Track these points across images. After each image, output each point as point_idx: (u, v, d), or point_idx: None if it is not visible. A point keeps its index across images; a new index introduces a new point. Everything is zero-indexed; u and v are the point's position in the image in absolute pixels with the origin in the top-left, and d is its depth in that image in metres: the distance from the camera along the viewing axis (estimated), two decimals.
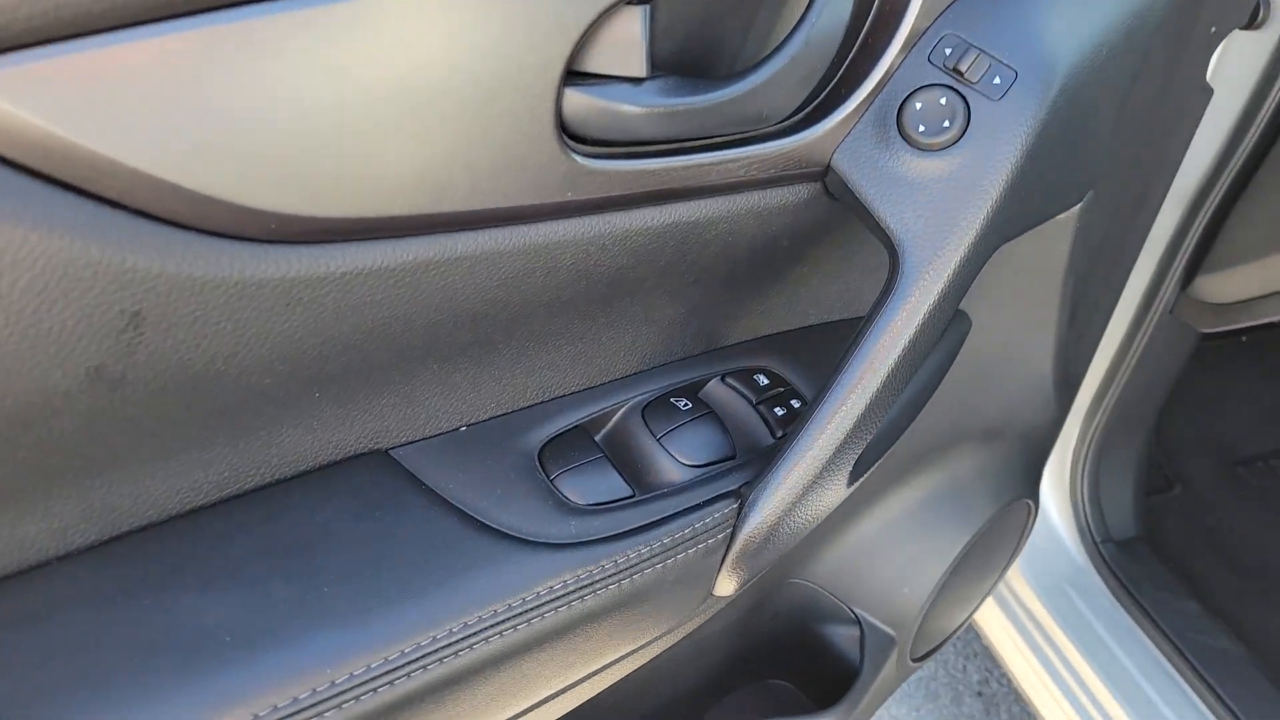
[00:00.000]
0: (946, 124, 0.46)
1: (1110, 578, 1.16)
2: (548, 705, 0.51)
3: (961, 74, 0.46)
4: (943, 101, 0.46)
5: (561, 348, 0.50)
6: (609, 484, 0.50)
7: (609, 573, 0.46)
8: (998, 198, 0.47)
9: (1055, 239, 0.61)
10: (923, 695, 1.61)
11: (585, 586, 0.46)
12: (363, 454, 0.47)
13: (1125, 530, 1.21)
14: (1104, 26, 0.49)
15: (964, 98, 0.46)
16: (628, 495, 0.50)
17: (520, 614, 0.44)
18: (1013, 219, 0.49)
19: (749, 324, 0.58)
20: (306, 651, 0.40)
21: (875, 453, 0.54)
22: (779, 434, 0.56)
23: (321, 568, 0.42)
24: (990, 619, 1.23)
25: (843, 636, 0.87)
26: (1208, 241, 0.98)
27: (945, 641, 1.00)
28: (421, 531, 0.44)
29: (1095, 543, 1.18)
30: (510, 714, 0.48)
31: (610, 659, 0.51)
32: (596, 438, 0.53)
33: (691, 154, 0.44)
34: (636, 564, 0.47)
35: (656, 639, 0.54)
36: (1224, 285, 0.99)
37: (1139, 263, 0.97)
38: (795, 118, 0.48)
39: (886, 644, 0.85)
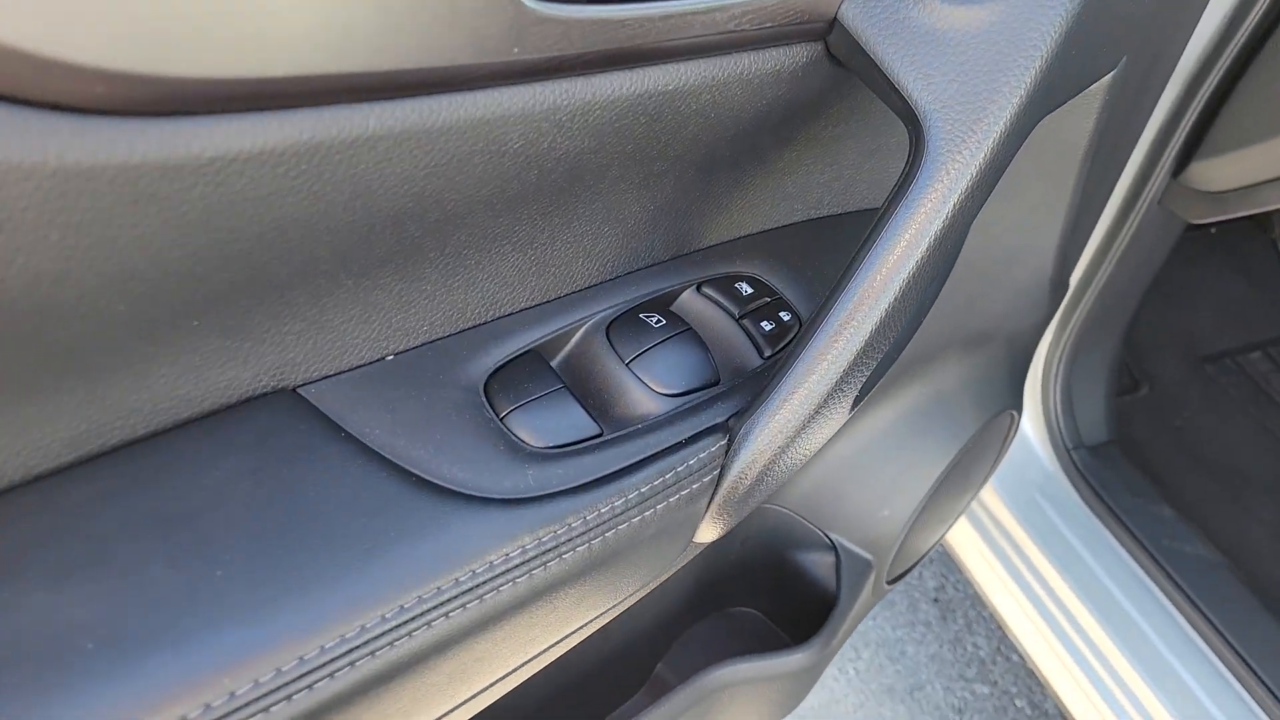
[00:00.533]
0: None
1: (1081, 484, 1.11)
2: (503, 682, 0.43)
3: None
4: None
5: (507, 255, 0.40)
6: (571, 421, 0.40)
7: (576, 532, 0.38)
8: (1047, 55, 0.37)
9: (1081, 114, 0.52)
10: (879, 603, 1.59)
11: (548, 551, 0.37)
12: (264, 394, 0.37)
13: (1096, 435, 1.16)
14: None
15: None
16: (595, 434, 0.41)
17: (470, 589, 0.35)
18: (1056, 86, 0.40)
19: (728, 222, 0.49)
20: (197, 656, 0.30)
21: (881, 370, 0.45)
22: (767, 353, 0.47)
23: (214, 545, 0.32)
24: (957, 532, 1.18)
25: (816, 563, 0.80)
26: (1204, 125, 0.91)
27: (920, 560, 0.94)
28: (341, 491, 0.34)
29: (1067, 449, 1.13)
30: (460, 700, 0.40)
31: (576, 626, 0.43)
32: (553, 363, 0.43)
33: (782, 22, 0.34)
34: (609, 519, 0.39)
35: (629, 598, 0.46)
36: (1219, 172, 0.92)
37: (1140, 150, 0.89)
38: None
39: (863, 569, 0.79)
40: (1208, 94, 0.88)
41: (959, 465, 0.81)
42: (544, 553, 0.37)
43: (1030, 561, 1.10)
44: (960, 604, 1.58)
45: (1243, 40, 0.84)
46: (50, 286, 0.29)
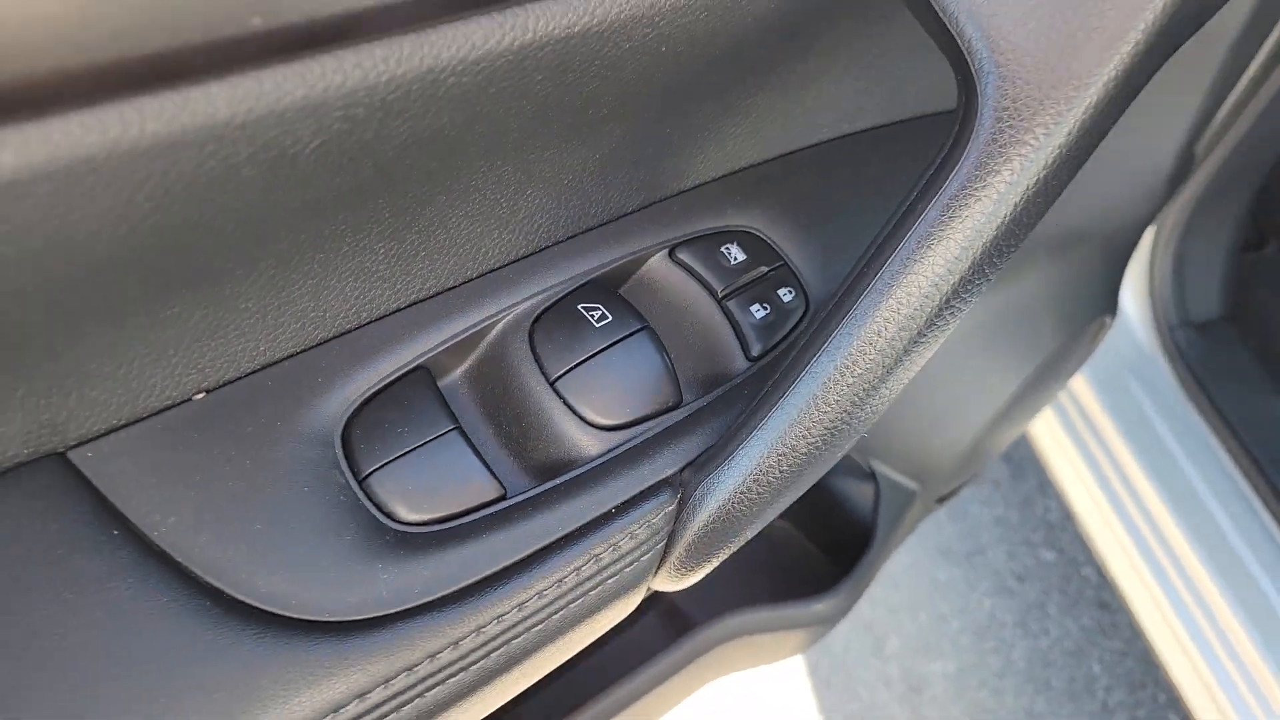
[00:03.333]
0: None
1: (1181, 367, 0.97)
2: None
3: None
4: None
5: (371, 245, 0.28)
6: (463, 476, 0.30)
7: (445, 662, 0.28)
8: None
9: (1232, 7, 0.35)
10: None
11: (400, 693, 0.27)
12: (25, 463, 0.27)
13: (1207, 309, 1.00)
14: None
15: None
16: (494, 497, 0.30)
17: (400, 693, 0.26)
18: (1190, 14, 0.25)
19: (720, 154, 0.35)
20: None
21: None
22: (755, 352, 0.34)
23: None
24: (1045, 432, 1.06)
25: (855, 490, 0.70)
26: None
27: (977, 476, 0.83)
28: (106, 621, 0.25)
29: (1169, 326, 0.98)
30: None
31: None
32: (443, 385, 0.32)
33: None
34: (513, 625, 0.29)
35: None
36: None
37: None
38: None
39: (905, 500, 0.69)
40: None
41: (1033, 383, 0.68)
42: (394, 696, 0.27)
43: (1113, 453, 0.98)
44: (1034, 462, 1.47)
45: None
46: None
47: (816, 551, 0.77)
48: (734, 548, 0.33)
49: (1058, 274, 0.64)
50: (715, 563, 0.34)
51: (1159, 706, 1.29)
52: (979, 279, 0.28)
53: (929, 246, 0.26)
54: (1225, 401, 0.94)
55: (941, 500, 0.78)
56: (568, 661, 0.70)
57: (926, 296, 0.27)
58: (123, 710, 0.24)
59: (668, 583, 0.34)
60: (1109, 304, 0.70)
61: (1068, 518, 1.43)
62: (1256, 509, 0.90)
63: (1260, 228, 1.14)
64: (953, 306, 0.28)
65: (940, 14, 0.24)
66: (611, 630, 0.72)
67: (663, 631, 0.69)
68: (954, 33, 0.23)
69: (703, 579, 0.75)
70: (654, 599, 0.73)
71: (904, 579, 1.39)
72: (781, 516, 0.77)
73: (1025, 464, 1.48)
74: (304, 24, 0.20)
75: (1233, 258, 1.01)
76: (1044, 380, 0.71)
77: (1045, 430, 1.06)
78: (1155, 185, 0.62)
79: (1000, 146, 0.24)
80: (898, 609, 1.36)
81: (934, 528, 1.43)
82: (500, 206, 0.31)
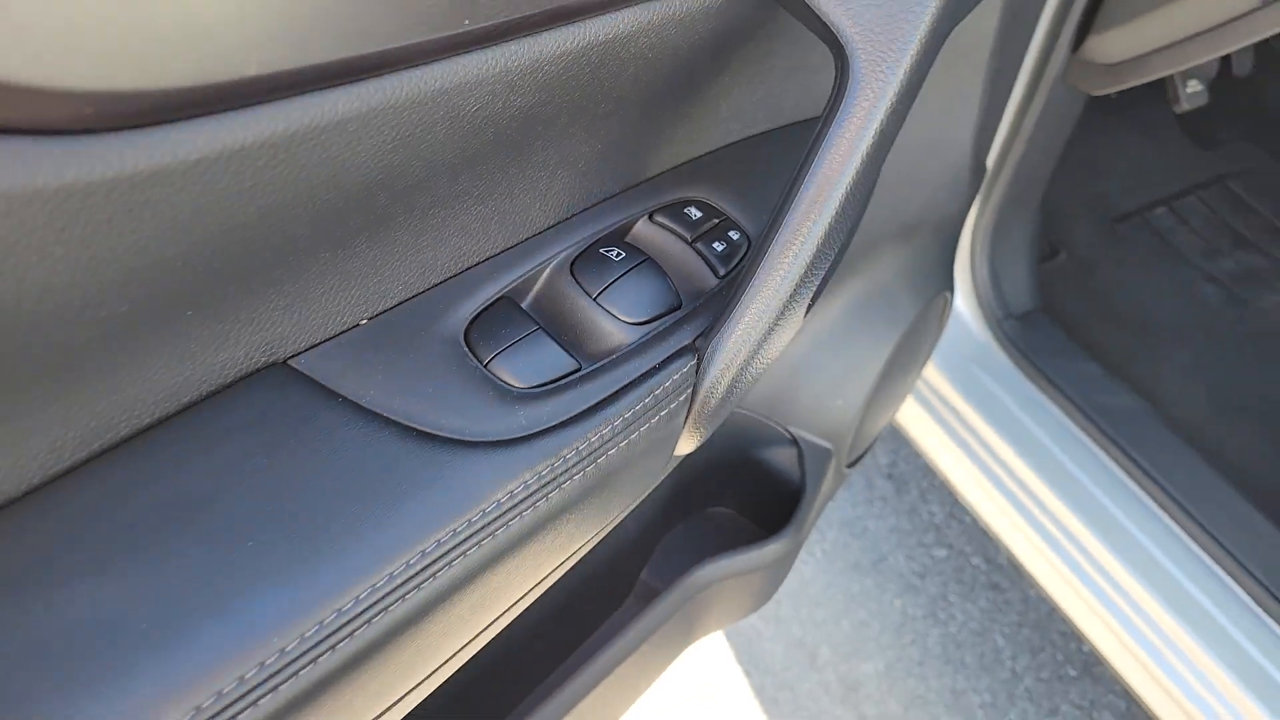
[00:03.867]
0: None
1: (1013, 350, 1.18)
2: (518, 605, 0.47)
3: None
4: None
5: (469, 209, 0.43)
6: (551, 359, 0.44)
7: (571, 463, 0.41)
8: None
9: (986, 16, 0.55)
10: (841, 488, 1.67)
11: (547, 484, 0.41)
12: (257, 370, 0.40)
13: (1022, 304, 1.23)
14: None
15: None
16: (573, 369, 0.44)
17: (482, 528, 0.38)
18: (942, 18, 0.43)
19: (673, 151, 0.52)
20: (244, 621, 0.34)
21: (829, 273, 0.49)
22: (722, 272, 0.50)
23: (240, 520, 0.35)
24: (912, 420, 1.25)
25: (781, 457, 0.85)
26: (1095, 2, 0.95)
27: (874, 442, 1.00)
28: (349, 453, 0.37)
29: (997, 320, 1.19)
30: (481, 628, 0.44)
31: (578, 546, 0.47)
32: (524, 306, 0.46)
33: None
34: (599, 447, 0.42)
35: (622, 513, 0.50)
36: (1113, 45, 0.97)
37: (1039, 31, 0.93)
38: None
39: (824, 457, 0.84)
40: None
41: (902, 348, 0.86)
42: (544, 485, 0.40)
43: (972, 427, 1.18)
44: (913, 476, 1.67)
45: None
46: (59, 297, 0.32)
47: (756, 528, 0.91)
48: (738, 393, 0.47)
49: (904, 258, 0.83)
50: (727, 408, 0.48)
51: (1058, 665, 1.46)
52: (865, 182, 0.44)
53: (832, 157, 0.42)
54: (1053, 372, 1.16)
55: (851, 465, 0.94)
56: (559, 649, 0.81)
57: (831, 195, 0.43)
58: (383, 508, 0.37)
59: (700, 425, 0.48)
60: (947, 281, 0.90)
61: (950, 516, 1.62)
62: (1098, 455, 1.10)
63: (1051, 241, 1.40)
64: (849, 203, 0.44)
65: (817, 13, 0.41)
66: (597, 615, 0.84)
67: (639, 608, 0.81)
68: (830, 23, 0.40)
69: (664, 556, 0.88)
70: (634, 583, 0.85)
71: (824, 596, 1.53)
72: (723, 503, 0.92)
73: (906, 478, 1.67)
74: (479, 30, 0.35)
75: (1034, 263, 1.25)
76: (910, 347, 0.89)
77: (918, 423, 1.24)
78: (959, 187, 0.82)
79: (868, 82, 0.40)
80: (823, 623, 1.51)
81: (841, 548, 1.59)
82: (542, 184, 0.46)
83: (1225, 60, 1.42)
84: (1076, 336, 1.22)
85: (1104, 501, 1.07)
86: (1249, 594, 0.98)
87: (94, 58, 0.28)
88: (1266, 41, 1.48)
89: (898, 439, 1.71)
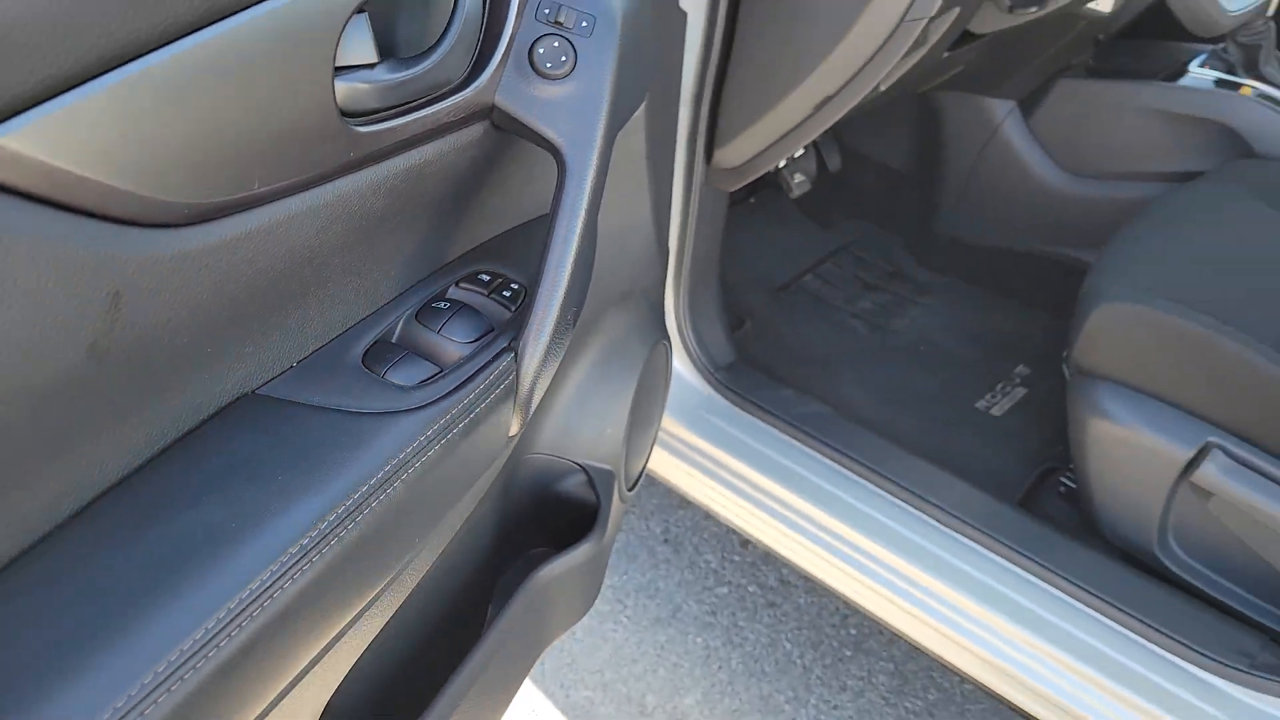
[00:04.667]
0: (564, 59, 0.69)
1: (729, 394, 1.51)
2: (402, 578, 0.67)
3: (561, 24, 0.69)
4: (556, 44, 0.69)
5: (349, 282, 0.66)
6: (421, 369, 0.67)
7: (454, 418, 0.64)
8: (610, 99, 0.70)
9: (635, 131, 0.87)
10: (624, 560, 1.91)
11: (444, 431, 0.63)
12: (242, 396, 0.60)
13: (727, 359, 1.57)
14: None
15: (568, 39, 0.69)
16: (437, 371, 0.68)
17: (403, 465, 0.60)
18: (618, 115, 0.73)
19: (464, 239, 0.77)
20: (266, 542, 0.53)
21: (578, 309, 0.76)
22: (513, 308, 0.76)
23: (261, 478, 0.55)
24: (662, 464, 1.53)
25: (575, 485, 1.09)
26: (712, 125, 1.33)
27: (640, 477, 1.27)
28: (310, 429, 0.58)
29: (711, 373, 1.52)
30: (415, 546, 0.64)
31: (465, 486, 0.68)
32: (394, 341, 0.69)
33: (417, 110, 0.62)
34: (462, 415, 0.65)
35: (485, 470, 0.73)
36: (731, 153, 1.35)
37: (678, 148, 1.29)
38: (466, 76, 0.67)
39: (609, 477, 1.09)
40: (707, 103, 1.30)
41: (642, 385, 1.15)
42: (436, 437, 0.63)
43: (713, 457, 1.48)
44: (685, 536, 1.95)
45: (714, 66, 1.27)
46: (163, 328, 0.52)
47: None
48: (543, 383, 0.72)
49: (628, 317, 1.12)
50: (538, 393, 0.72)
51: (836, 650, 1.76)
52: (589, 236, 0.72)
53: (568, 218, 0.70)
54: (761, 401, 1.49)
55: (630, 489, 1.19)
56: (424, 688, 0.99)
57: (570, 242, 0.70)
58: (355, 448, 0.58)
59: (523, 405, 0.72)
60: (663, 334, 1.20)
61: (723, 559, 1.91)
62: (807, 451, 1.43)
63: (737, 313, 1.78)
64: (582, 248, 0.71)
65: (540, 134, 0.69)
66: (452, 654, 1.01)
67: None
68: (548, 139, 0.68)
69: (501, 597, 1.08)
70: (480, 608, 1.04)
71: (638, 654, 1.75)
72: (541, 543, 1.14)
73: (680, 539, 1.95)
74: (359, 158, 0.60)
75: (728, 328, 1.61)
76: (649, 385, 1.18)
77: (675, 468, 1.53)
78: (653, 262, 1.13)
79: (579, 173, 0.68)
80: (642, 675, 1.71)
81: (641, 610, 1.82)
82: (391, 264, 0.70)
83: (821, 160, 1.90)
84: (771, 375, 1.57)
85: (818, 482, 1.39)
86: (932, 518, 1.33)
87: (187, 185, 0.50)
88: (848, 144, 2.00)
89: (666, 508, 1.99)
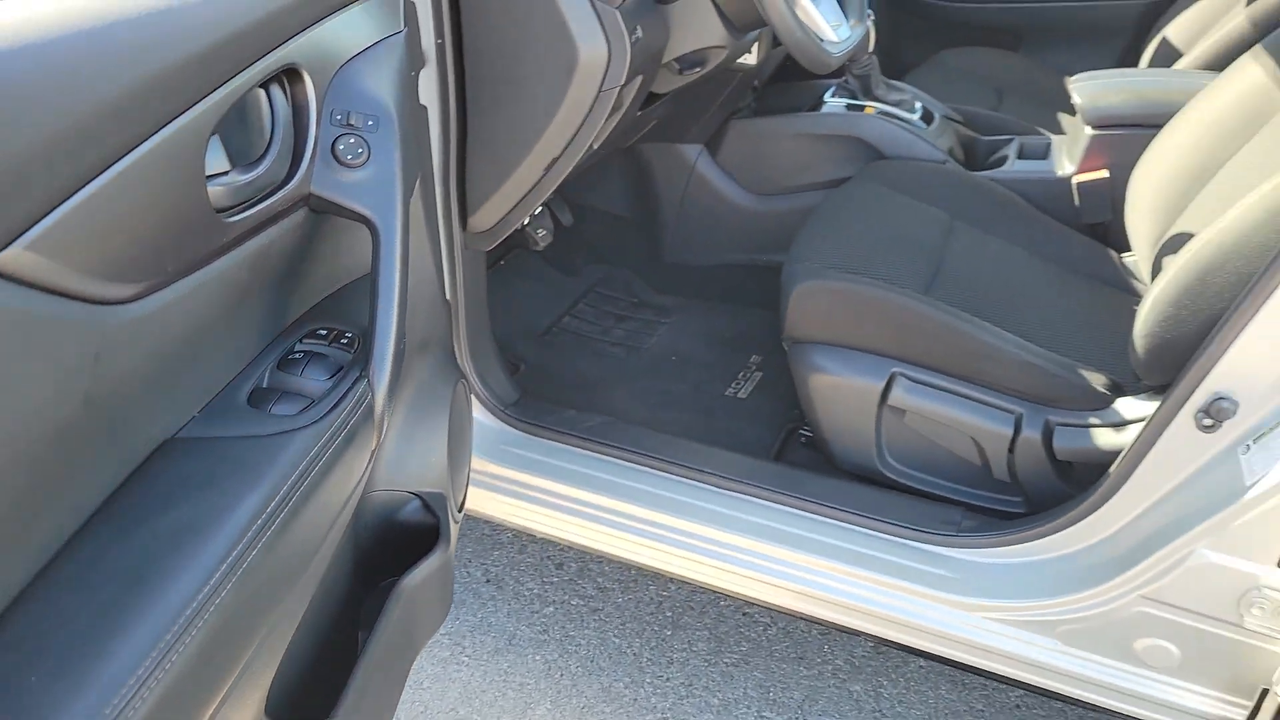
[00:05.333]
0: (360, 150, 0.90)
1: (522, 425, 1.72)
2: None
3: (353, 125, 0.90)
4: (352, 140, 0.90)
5: (229, 342, 0.83)
6: (297, 402, 0.85)
7: (337, 430, 0.82)
8: (401, 176, 0.92)
9: (416, 202, 1.08)
10: (454, 607, 2.06)
11: (331, 438, 0.81)
12: (165, 443, 0.75)
13: (512, 396, 1.79)
14: (394, 86, 0.97)
15: (361, 135, 0.90)
16: (310, 401, 0.85)
17: (323, 456, 0.78)
18: (408, 188, 0.95)
19: (297, 303, 0.96)
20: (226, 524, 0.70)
21: (403, 350, 0.96)
22: (353, 351, 0.95)
23: (211, 486, 0.71)
24: (475, 500, 1.72)
25: (413, 511, 1.27)
26: (462, 195, 1.57)
27: (464, 498, 1.45)
28: (244, 452, 0.75)
29: (502, 410, 1.73)
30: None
31: (351, 486, 0.86)
32: (265, 387, 0.86)
33: (261, 203, 0.81)
34: (343, 422, 0.84)
35: (367, 464, 0.91)
36: (482, 219, 1.59)
37: (439, 218, 1.51)
38: (288, 173, 0.87)
39: (441, 499, 1.28)
40: (454, 178, 1.53)
41: (453, 421, 1.34)
42: (334, 439, 0.81)
43: (523, 483, 1.69)
44: (505, 572, 2.12)
45: (455, 145, 1.50)
46: (125, 379, 0.67)
47: None
48: (392, 395, 0.91)
49: (432, 361, 1.32)
50: (389, 403, 0.91)
51: (656, 632, 1.99)
52: (404, 289, 0.93)
53: (387, 276, 0.90)
54: (551, 423, 1.72)
55: (460, 511, 1.38)
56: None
57: (392, 293, 0.91)
58: (276, 451, 0.75)
59: (381, 418, 0.90)
60: (459, 375, 1.40)
61: (542, 583, 2.10)
62: (598, 457, 1.68)
63: (511, 359, 2.00)
64: (402, 296, 0.92)
65: (354, 211, 0.89)
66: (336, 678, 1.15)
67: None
68: (362, 215, 0.88)
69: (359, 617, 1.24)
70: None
71: (486, 685, 1.90)
72: (393, 574, 1.30)
73: (500, 576, 2.12)
74: (231, 239, 0.78)
75: (508, 370, 1.82)
76: (458, 418, 1.37)
77: (492, 503, 1.72)
78: (439, 312, 1.34)
79: (391, 235, 0.89)
80: (493, 702, 1.87)
81: (480, 647, 1.97)
82: (252, 326, 0.87)
83: (554, 217, 2.18)
84: (553, 402, 1.81)
85: (612, 478, 1.64)
86: (709, 484, 1.61)
87: (130, 271, 0.66)
88: (575, 199, 2.29)
89: (482, 553, 2.16)
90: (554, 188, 1.56)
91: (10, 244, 0.53)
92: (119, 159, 0.62)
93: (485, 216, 1.59)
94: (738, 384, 1.98)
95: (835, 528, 1.53)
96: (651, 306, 2.24)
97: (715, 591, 1.62)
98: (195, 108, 0.71)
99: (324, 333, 0.95)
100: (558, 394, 1.90)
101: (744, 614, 2.01)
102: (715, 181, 2.15)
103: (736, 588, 1.60)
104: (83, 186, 0.59)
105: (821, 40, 1.55)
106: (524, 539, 2.19)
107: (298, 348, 0.93)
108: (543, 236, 1.89)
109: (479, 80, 1.45)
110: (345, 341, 0.95)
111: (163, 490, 0.69)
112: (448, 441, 1.31)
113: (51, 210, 0.56)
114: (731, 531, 1.56)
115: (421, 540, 1.27)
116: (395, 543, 1.27)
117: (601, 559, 2.12)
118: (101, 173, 0.61)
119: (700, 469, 1.61)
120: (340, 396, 0.86)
